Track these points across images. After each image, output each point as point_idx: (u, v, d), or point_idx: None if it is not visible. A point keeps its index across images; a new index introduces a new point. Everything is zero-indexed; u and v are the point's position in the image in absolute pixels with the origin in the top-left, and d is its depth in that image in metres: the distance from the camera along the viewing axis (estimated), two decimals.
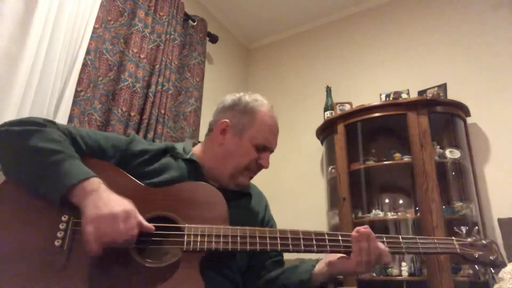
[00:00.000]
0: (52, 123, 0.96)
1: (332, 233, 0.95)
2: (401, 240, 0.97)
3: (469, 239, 0.99)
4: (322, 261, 1.02)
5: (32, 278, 0.80)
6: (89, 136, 1.01)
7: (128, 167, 1.00)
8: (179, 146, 1.14)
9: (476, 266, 1.02)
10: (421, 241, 0.97)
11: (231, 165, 1.08)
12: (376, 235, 0.94)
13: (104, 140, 1.02)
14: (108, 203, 0.82)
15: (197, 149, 1.17)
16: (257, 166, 1.12)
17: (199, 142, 1.24)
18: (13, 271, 0.80)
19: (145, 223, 0.85)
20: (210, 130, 1.16)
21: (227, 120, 1.11)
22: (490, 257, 0.96)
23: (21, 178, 0.88)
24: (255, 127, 1.09)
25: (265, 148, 1.11)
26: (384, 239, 0.95)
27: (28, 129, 0.90)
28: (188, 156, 1.10)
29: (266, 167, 1.12)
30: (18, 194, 0.87)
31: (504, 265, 1.01)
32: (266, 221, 1.20)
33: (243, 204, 1.14)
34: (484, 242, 0.99)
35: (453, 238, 0.99)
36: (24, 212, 0.86)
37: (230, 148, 1.09)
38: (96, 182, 0.85)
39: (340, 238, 0.94)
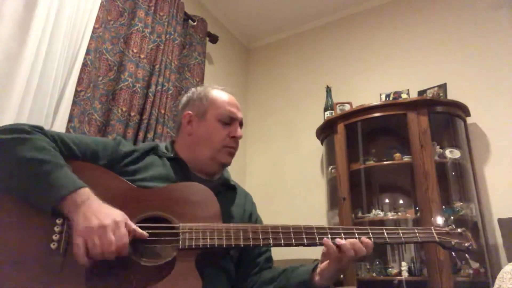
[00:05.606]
0: (40, 129, 0.95)
1: (320, 227, 0.98)
2: (384, 231, 1.00)
3: (446, 228, 1.06)
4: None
5: (29, 282, 0.79)
6: (79, 140, 1.02)
7: (116, 168, 1.02)
8: (162, 145, 1.18)
9: (453, 252, 1.08)
10: (403, 231, 1.01)
11: (207, 147, 1.13)
12: (361, 227, 0.98)
13: (94, 144, 1.04)
14: (97, 214, 0.81)
15: (177, 147, 1.21)
16: (233, 140, 1.16)
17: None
18: (10, 276, 0.79)
19: (138, 230, 0.86)
20: (178, 128, 1.23)
21: (189, 112, 1.19)
22: (465, 244, 1.03)
23: (10, 188, 0.87)
24: (214, 105, 1.17)
25: (231, 120, 1.17)
26: (369, 231, 0.98)
27: (15, 137, 0.89)
28: (172, 155, 1.14)
29: (239, 136, 1.17)
30: (11, 198, 0.87)
31: (475, 251, 1.08)
32: (253, 218, 1.23)
33: (230, 198, 1.18)
34: (459, 230, 1.06)
35: (431, 228, 1.05)
36: (18, 216, 0.85)
37: (200, 133, 1.15)
38: (86, 193, 0.85)
39: (328, 231, 0.97)
